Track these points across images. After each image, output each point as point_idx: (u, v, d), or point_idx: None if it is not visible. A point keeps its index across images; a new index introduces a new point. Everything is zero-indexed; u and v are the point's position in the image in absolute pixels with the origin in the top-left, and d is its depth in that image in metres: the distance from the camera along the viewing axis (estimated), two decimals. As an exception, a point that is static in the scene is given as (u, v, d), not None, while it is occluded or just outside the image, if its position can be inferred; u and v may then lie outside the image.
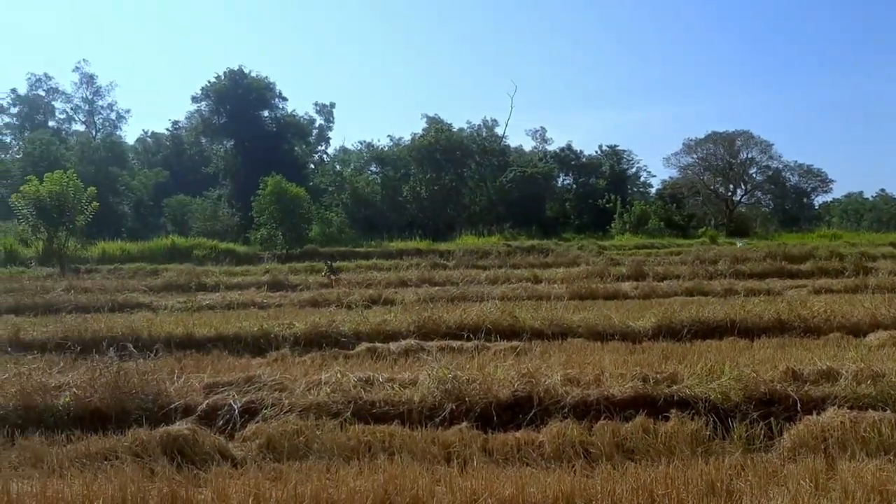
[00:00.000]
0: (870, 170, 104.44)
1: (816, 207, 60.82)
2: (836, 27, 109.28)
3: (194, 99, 48.60)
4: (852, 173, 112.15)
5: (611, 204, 45.22)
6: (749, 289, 15.95)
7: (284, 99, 49.61)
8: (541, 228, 43.04)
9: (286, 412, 6.95)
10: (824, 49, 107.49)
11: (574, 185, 54.31)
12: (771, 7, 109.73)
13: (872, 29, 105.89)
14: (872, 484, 5.24)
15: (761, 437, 6.45)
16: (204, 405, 7.24)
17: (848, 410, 6.64)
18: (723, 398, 7.02)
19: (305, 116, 54.04)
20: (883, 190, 70.22)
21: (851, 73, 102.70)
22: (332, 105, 57.41)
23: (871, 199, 69.15)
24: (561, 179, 54.38)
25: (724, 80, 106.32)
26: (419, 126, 55.51)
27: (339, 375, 7.73)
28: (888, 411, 6.64)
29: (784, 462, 5.91)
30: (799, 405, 6.94)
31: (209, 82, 47.11)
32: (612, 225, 43.78)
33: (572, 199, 52.64)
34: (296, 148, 50.29)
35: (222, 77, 46.86)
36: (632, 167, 56.60)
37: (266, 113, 48.58)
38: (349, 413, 6.96)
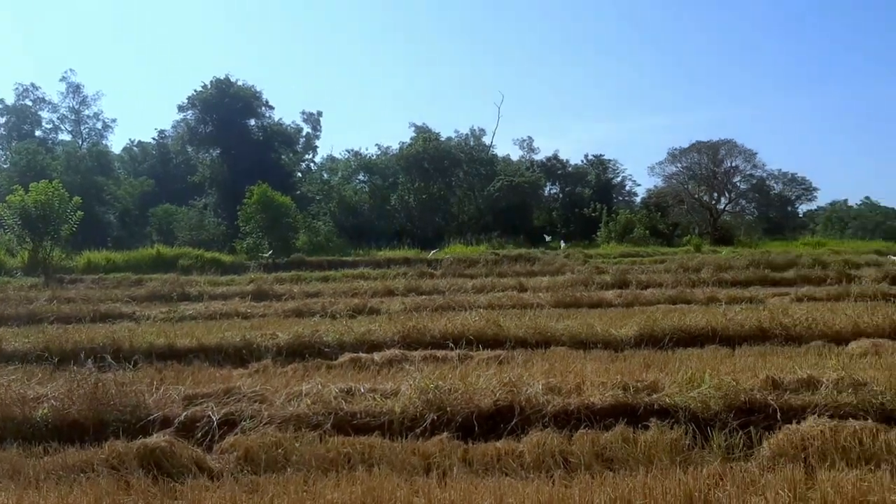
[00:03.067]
0: (854, 178, 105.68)
1: (801, 215, 61.27)
2: (818, 38, 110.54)
3: (180, 108, 48.60)
4: (837, 181, 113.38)
5: (596, 213, 45.42)
6: (732, 297, 15.95)
7: (271, 108, 49.70)
8: (528, 237, 43.17)
9: (265, 424, 6.89)
10: (807, 59, 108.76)
11: (560, 195, 54.55)
12: (755, 20, 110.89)
13: (857, 39, 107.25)
14: (853, 495, 5.23)
15: (741, 446, 6.39)
16: (182, 417, 7.17)
17: (828, 419, 6.59)
18: (703, 407, 6.98)
19: (292, 125, 54.12)
20: (867, 198, 70.91)
21: (835, 82, 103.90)
22: (320, 114, 57.56)
23: (855, 206, 69.83)
24: (548, 188, 54.57)
25: (709, 90, 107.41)
26: (407, 135, 55.69)
27: (319, 387, 7.69)
28: (869, 420, 6.58)
29: (763, 471, 5.85)
30: (779, 414, 6.88)
31: (195, 91, 47.08)
32: (598, 233, 43.94)
33: (559, 208, 52.88)
34: (283, 157, 50.27)
35: (209, 86, 46.82)
36: (617, 176, 57.10)
37: (252, 122, 48.58)
38: (329, 425, 6.91)
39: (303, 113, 57.37)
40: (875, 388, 7.21)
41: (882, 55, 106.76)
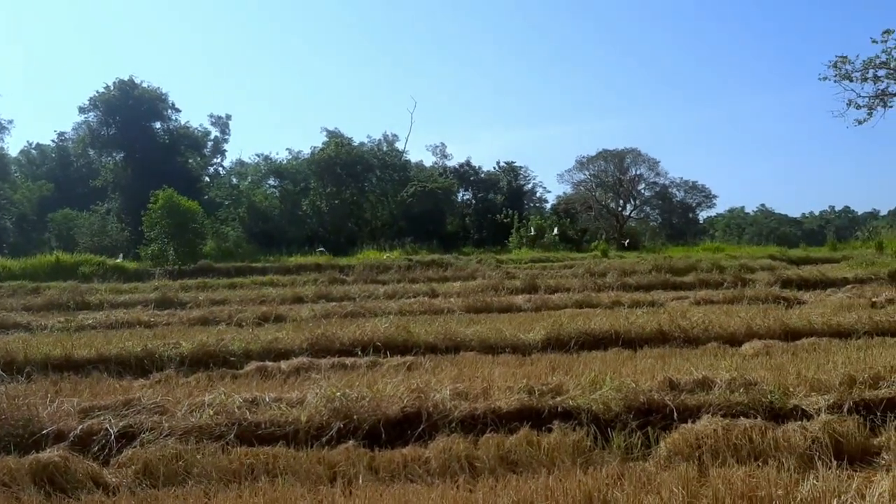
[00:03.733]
0: (751, 186, 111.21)
1: (701, 222, 63.91)
2: (717, 53, 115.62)
3: (81, 110, 46.55)
4: (735, 189, 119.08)
5: (509, 219, 46.02)
6: (635, 300, 16.45)
7: (178, 110, 48.18)
8: (442, 243, 43.32)
9: (166, 436, 6.70)
10: (706, 72, 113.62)
11: (473, 201, 55.08)
12: (657, 34, 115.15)
13: (753, 53, 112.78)
14: (742, 490, 5.45)
15: (639, 445, 6.61)
16: (78, 430, 6.89)
17: (721, 418, 6.86)
18: (604, 408, 7.18)
19: (200, 128, 52.53)
20: (763, 205, 74.97)
21: (732, 94, 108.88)
22: (228, 117, 55.91)
23: (752, 213, 73.55)
24: (461, 195, 55.03)
25: (615, 100, 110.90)
26: (319, 139, 54.97)
27: (223, 397, 7.53)
28: (759, 418, 6.90)
29: (659, 470, 6.05)
30: (675, 414, 7.14)
31: (97, 92, 45.27)
32: (510, 239, 44.51)
33: (472, 214, 53.34)
34: (190, 161, 48.90)
35: (111, 87, 45.14)
36: (528, 183, 58.09)
37: (158, 124, 47.04)
38: (233, 435, 6.77)
39: (211, 116, 55.75)
40: (765, 388, 7.56)
41: (778, 69, 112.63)
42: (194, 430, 6.85)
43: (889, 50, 26.40)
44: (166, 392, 8.43)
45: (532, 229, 43.04)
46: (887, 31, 26.21)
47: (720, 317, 12.94)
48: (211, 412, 7.17)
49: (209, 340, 11.45)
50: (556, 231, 42.24)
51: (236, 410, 7.22)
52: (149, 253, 32.09)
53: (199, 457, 6.30)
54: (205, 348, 11.14)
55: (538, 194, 60.48)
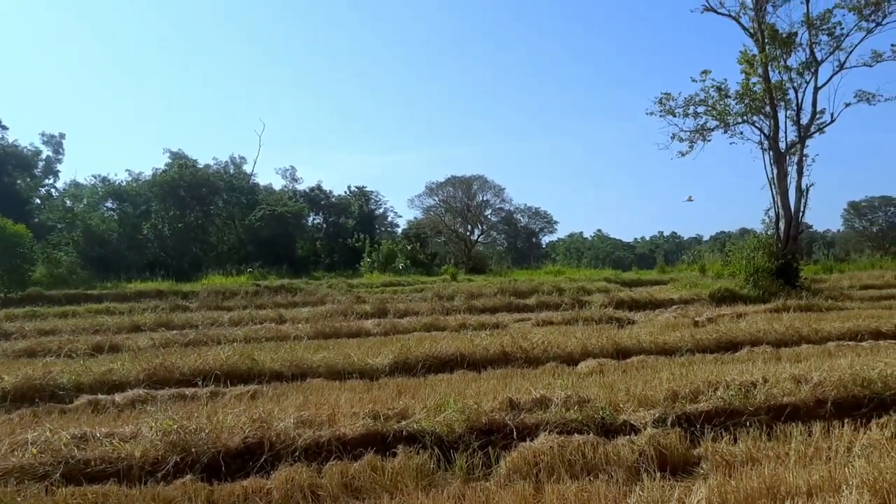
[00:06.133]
0: (589, 212, 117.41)
1: (544, 246, 67.00)
2: (555, 86, 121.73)
3: None
4: (575, 215, 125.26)
5: (360, 243, 45.98)
6: (481, 323, 16.89)
7: (5, 127, 45.24)
8: (292, 267, 42.59)
9: (-18, 480, 6.22)
10: (548, 104, 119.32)
11: (324, 225, 54.65)
12: (498, 74, 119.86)
13: (585, 93, 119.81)
14: (574, 505, 5.72)
15: (481, 466, 6.74)
16: None
17: (557, 435, 7.11)
18: (448, 430, 7.28)
19: (30, 147, 49.24)
20: (600, 230, 79.37)
21: (572, 125, 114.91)
22: (62, 136, 52.73)
23: (590, 238, 77.63)
24: (311, 219, 54.47)
25: (460, 127, 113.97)
26: (161, 161, 52.66)
27: (48, 433, 7.06)
28: (591, 434, 7.22)
29: (499, 489, 6.20)
30: (515, 433, 7.34)
31: None
32: (362, 263, 44.47)
33: (323, 239, 52.87)
34: (18, 181, 45.66)
35: (-76, 101, 41.58)
36: (379, 207, 58.49)
37: (-18, 143, 43.75)
38: (58, 475, 6.35)
39: (42, 134, 52.45)
40: (597, 404, 7.94)
41: (612, 103, 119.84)
42: (15, 470, 6.38)
43: (707, 88, 28.84)
44: (-15, 432, 7.80)
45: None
46: (705, 72, 28.65)
47: (559, 337, 13.51)
48: (34, 451, 6.70)
49: (35, 373, 10.71)
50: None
51: (63, 448, 6.79)
52: (-31, 281, 29.55)
53: (19, 500, 5.88)
54: (30, 382, 10.41)
55: (390, 219, 61.20)
